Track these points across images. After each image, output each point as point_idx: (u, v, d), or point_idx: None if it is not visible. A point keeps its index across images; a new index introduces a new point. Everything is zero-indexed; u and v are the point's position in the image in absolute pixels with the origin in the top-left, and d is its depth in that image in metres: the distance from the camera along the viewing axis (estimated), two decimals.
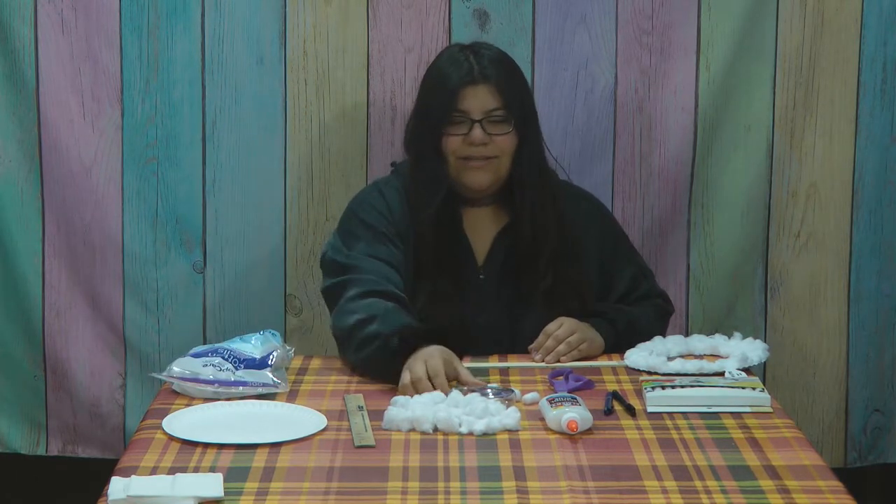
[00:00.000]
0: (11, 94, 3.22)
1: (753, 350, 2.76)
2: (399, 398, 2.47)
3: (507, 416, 2.39)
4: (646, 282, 3.02)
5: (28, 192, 3.26)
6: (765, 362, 2.94)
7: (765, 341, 2.85)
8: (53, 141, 3.23)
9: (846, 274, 3.33)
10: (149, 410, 2.52)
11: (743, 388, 2.53)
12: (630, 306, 2.96)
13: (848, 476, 2.93)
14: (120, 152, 3.25)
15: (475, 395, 2.46)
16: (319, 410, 2.45)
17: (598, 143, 3.28)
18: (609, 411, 2.47)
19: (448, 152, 2.87)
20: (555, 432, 2.35)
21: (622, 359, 2.80)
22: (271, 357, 2.65)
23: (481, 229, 2.95)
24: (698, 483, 2.13)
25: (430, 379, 2.53)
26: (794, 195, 3.30)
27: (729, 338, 2.84)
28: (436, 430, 2.37)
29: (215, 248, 3.29)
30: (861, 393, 3.36)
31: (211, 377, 2.57)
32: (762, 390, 2.53)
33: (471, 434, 2.35)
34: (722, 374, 2.65)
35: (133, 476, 2.11)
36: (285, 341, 2.85)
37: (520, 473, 2.17)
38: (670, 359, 2.76)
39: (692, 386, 2.54)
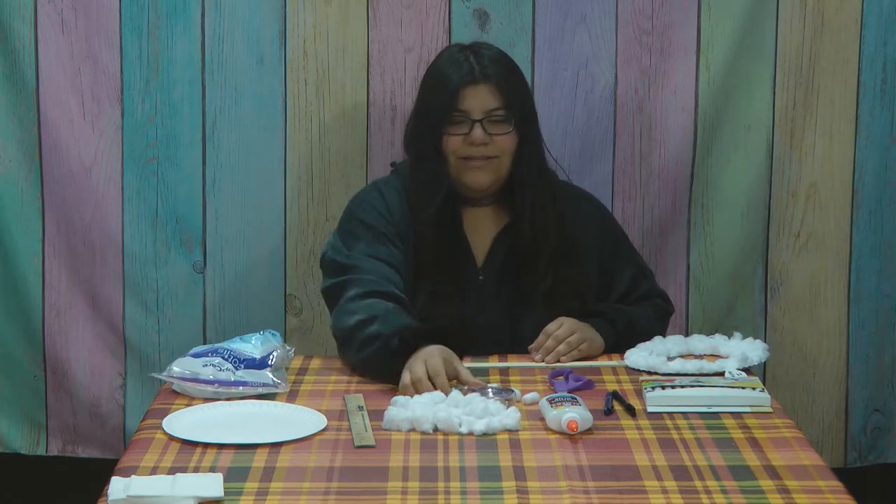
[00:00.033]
0: (11, 94, 3.22)
1: (753, 350, 2.76)
2: (399, 398, 2.47)
3: (507, 416, 2.39)
4: (646, 282, 3.02)
5: (28, 192, 3.26)
6: (765, 362, 2.94)
7: (765, 341, 2.85)
8: (53, 141, 3.23)
9: (846, 274, 3.33)
10: (149, 410, 2.52)
11: (743, 388, 2.53)
12: (630, 306, 2.96)
13: (848, 476, 2.93)
14: (120, 152, 3.25)
15: (475, 395, 2.46)
16: (319, 410, 2.45)
17: (598, 143, 3.28)
18: (609, 411, 2.47)
19: (448, 152, 2.87)
20: (555, 432, 2.35)
21: (622, 359, 2.80)
22: (271, 357, 2.65)
23: (481, 229, 2.94)
24: (698, 483, 2.13)
25: (430, 379, 2.53)
26: (794, 195, 3.30)
27: (729, 338, 2.84)
28: (436, 430, 2.37)
29: (215, 248, 3.29)
30: (861, 393, 3.36)
31: (211, 377, 2.57)
32: (762, 390, 2.53)
33: (471, 434, 2.35)
34: (722, 374, 2.65)
35: (133, 476, 2.11)
36: (285, 341, 2.85)
37: (520, 473, 2.17)
38: (670, 359, 2.76)
39: (692, 386, 2.54)
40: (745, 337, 2.83)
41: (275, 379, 2.60)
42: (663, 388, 2.54)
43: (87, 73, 3.22)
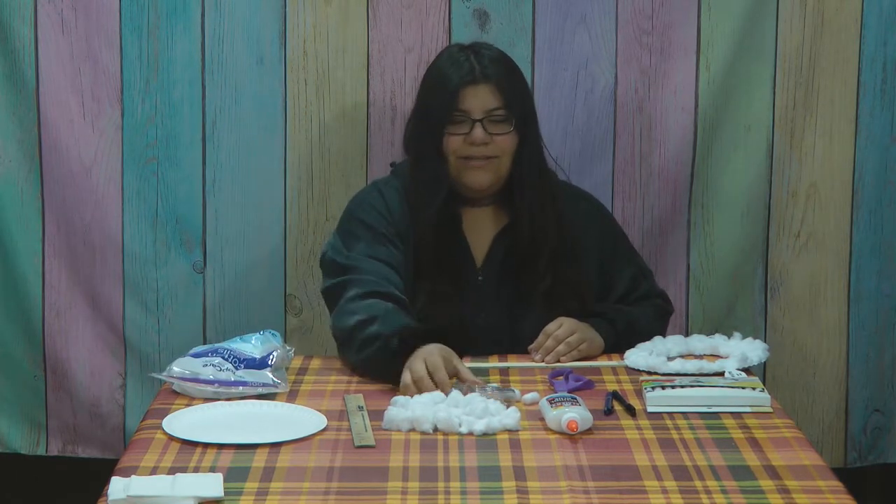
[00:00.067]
0: (11, 94, 3.22)
1: (753, 350, 2.76)
2: (399, 398, 2.47)
3: (507, 416, 2.39)
4: (645, 282, 3.02)
5: (28, 192, 3.26)
6: (765, 362, 2.94)
7: (765, 341, 2.85)
8: (53, 141, 3.23)
9: (846, 274, 3.33)
10: (149, 410, 2.52)
11: (743, 388, 2.53)
12: (630, 306, 2.96)
13: (848, 476, 2.93)
14: (120, 152, 3.25)
15: (475, 395, 2.46)
16: (319, 410, 2.45)
17: (598, 143, 3.28)
18: (609, 411, 2.47)
19: (449, 152, 2.87)
20: (555, 432, 2.35)
21: (622, 359, 2.80)
22: (271, 357, 2.65)
23: (481, 229, 2.94)
24: (698, 483, 2.13)
25: (430, 375, 2.53)
26: (794, 195, 3.30)
27: (729, 338, 2.84)
28: (436, 430, 2.37)
29: (215, 248, 3.29)
30: (861, 393, 3.36)
31: (211, 377, 2.57)
32: (762, 390, 2.53)
33: (471, 434, 2.35)
34: (722, 374, 2.65)
35: (133, 476, 2.11)
36: (285, 341, 2.85)
37: (520, 473, 2.16)
38: (670, 359, 2.76)
39: (692, 386, 2.54)
40: (745, 337, 2.83)
41: (275, 379, 2.60)
42: (663, 388, 2.54)
43: (87, 73, 3.22)
